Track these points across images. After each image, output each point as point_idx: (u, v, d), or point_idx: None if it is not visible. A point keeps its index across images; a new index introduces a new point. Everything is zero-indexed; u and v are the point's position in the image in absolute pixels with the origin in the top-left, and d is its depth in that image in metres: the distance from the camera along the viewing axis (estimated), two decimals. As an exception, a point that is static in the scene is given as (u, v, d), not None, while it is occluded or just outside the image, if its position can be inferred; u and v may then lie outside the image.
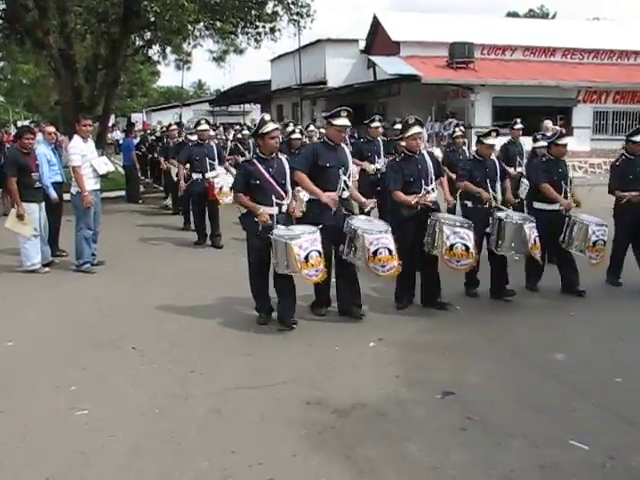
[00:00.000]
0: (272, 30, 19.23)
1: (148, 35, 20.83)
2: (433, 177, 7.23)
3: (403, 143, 7.62)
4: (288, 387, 5.22)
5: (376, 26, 29.00)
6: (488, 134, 7.91)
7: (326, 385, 5.27)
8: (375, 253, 6.45)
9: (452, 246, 6.90)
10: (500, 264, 7.62)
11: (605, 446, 4.26)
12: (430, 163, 7.23)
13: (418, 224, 7.07)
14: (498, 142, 8.20)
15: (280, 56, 34.22)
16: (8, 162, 9.12)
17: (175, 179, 15.55)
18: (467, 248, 6.93)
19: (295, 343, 6.31)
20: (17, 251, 9.34)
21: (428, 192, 7.12)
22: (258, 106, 43.17)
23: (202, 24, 18.96)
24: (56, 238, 10.09)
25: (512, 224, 7.27)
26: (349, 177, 6.93)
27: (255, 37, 19.51)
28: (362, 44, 30.70)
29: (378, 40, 28.87)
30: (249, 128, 21.05)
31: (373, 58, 26.32)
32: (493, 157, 8.07)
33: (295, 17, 18.92)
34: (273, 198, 6.56)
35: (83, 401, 4.99)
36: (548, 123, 13.38)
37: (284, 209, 6.68)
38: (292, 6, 18.43)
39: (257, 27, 19.05)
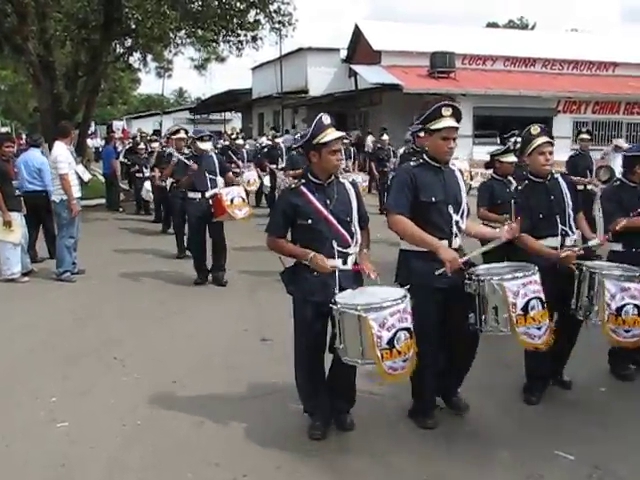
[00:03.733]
0: (254, 38, 19.24)
1: (129, 42, 20.75)
2: (571, 212, 5.06)
3: (505, 160, 6.77)
4: (272, 398, 5.16)
5: (357, 35, 29.15)
6: None
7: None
8: (526, 308, 4.28)
9: (620, 309, 4.64)
10: None
11: (590, 456, 4.25)
12: (567, 191, 5.09)
13: (558, 277, 4.86)
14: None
15: (261, 64, 34.30)
16: None
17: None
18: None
19: (278, 352, 6.24)
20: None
21: (567, 234, 5.03)
22: (239, 114, 43.19)
23: (183, 32, 18.96)
24: (54, 243, 9.86)
25: None
26: (463, 215, 4.60)
27: (237, 45, 19.53)
28: (343, 53, 30.87)
29: (359, 49, 29.02)
30: (243, 137, 20.63)
31: (354, 67, 26.43)
32: None
33: (277, 26, 18.99)
34: (334, 245, 4.30)
35: (64, 412, 4.90)
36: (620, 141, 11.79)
37: (350, 261, 4.40)
38: (274, 15, 18.48)
39: (239, 35, 19.06)
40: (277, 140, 16.63)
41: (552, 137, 5.06)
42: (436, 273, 4.22)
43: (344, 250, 4.32)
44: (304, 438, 4.49)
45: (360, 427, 4.66)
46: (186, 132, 11.55)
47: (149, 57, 25.64)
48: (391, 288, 4.27)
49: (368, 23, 30.15)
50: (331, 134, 4.29)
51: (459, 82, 24.90)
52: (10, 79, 40.20)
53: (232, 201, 8.64)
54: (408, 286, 4.24)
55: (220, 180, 9.04)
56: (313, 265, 4.22)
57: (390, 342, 3.88)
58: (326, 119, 4.33)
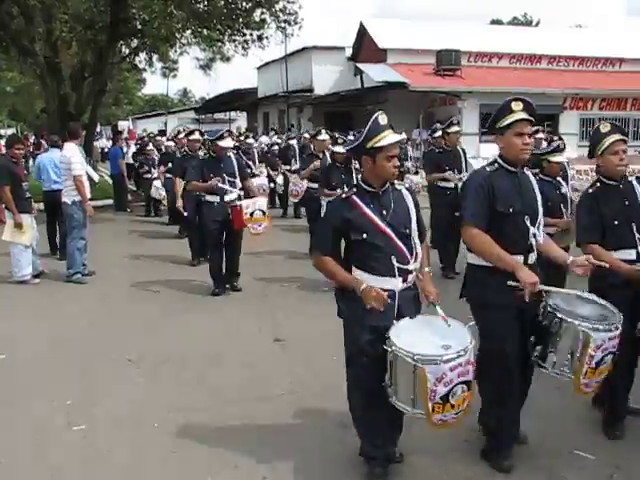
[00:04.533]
0: (259, 38, 19.22)
1: (135, 43, 20.75)
2: None
3: (553, 160, 6.36)
4: (288, 399, 5.15)
5: (363, 33, 29.08)
6: None
7: (326, 396, 5.17)
8: (599, 364, 3.76)
9: None
10: None
11: (612, 456, 4.23)
12: None
13: (633, 295, 4.31)
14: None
15: (267, 63, 34.22)
16: (1, 172, 8.87)
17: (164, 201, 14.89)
18: None
19: (293, 353, 6.24)
20: (6, 262, 9.23)
21: None
22: (244, 114, 43.19)
23: (189, 32, 18.93)
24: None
25: None
26: (540, 227, 4.07)
27: (242, 45, 19.49)
28: (349, 51, 30.82)
29: (365, 47, 28.96)
30: (253, 136, 20.47)
31: (360, 65, 26.36)
32: None
33: (282, 25, 18.95)
34: (393, 262, 3.76)
35: (79, 416, 4.90)
36: None
37: (410, 280, 3.89)
38: (280, 14, 18.45)
39: (244, 35, 19.07)
40: (290, 141, 16.51)
41: (625, 134, 4.51)
42: (509, 283, 3.78)
43: (404, 267, 3.78)
44: (323, 438, 4.47)
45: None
46: (201, 133, 11.42)
47: (154, 57, 25.60)
48: (456, 325, 3.73)
49: (373, 21, 30.05)
50: (388, 137, 3.73)
51: (465, 80, 24.79)
52: (16, 81, 40.23)
53: (252, 215, 8.13)
54: (472, 323, 3.86)
55: (239, 183, 8.48)
56: (366, 298, 3.62)
57: (444, 397, 3.43)
58: (382, 119, 3.76)
